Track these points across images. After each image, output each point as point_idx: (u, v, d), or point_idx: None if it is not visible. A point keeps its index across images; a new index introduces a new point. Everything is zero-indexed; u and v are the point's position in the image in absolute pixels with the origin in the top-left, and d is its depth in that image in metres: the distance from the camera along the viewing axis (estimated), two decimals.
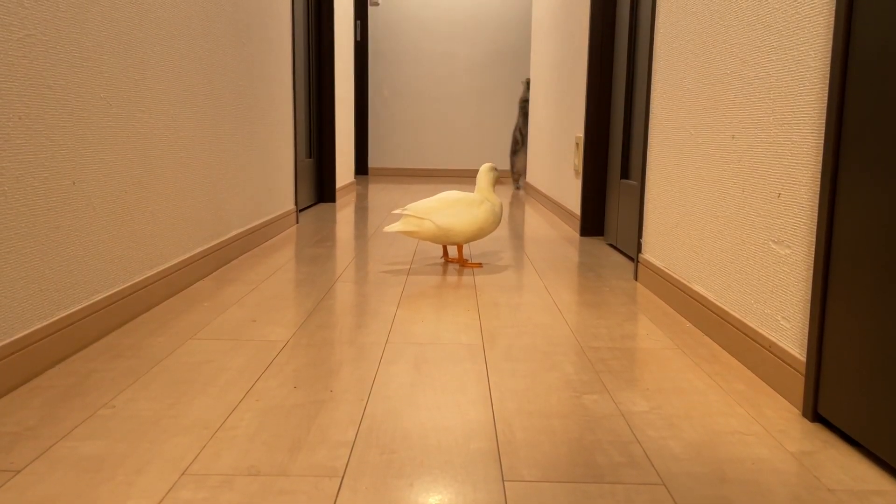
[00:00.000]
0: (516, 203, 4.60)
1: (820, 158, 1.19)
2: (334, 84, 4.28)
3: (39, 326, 1.32)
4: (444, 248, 2.47)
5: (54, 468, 0.96)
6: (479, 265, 2.40)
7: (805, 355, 1.22)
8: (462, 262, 2.41)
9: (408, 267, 2.37)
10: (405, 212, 2.28)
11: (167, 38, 1.87)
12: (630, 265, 2.50)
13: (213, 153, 2.24)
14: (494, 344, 1.54)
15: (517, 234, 3.19)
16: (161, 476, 0.94)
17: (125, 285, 1.66)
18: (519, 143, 5.49)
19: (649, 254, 2.15)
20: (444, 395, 1.25)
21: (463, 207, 2.28)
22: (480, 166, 2.48)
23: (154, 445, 1.03)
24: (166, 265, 1.89)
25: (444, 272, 2.29)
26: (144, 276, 1.76)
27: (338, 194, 4.53)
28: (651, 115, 2.16)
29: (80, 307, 1.46)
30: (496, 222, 2.31)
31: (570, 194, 3.53)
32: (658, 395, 1.26)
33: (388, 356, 1.45)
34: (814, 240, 1.20)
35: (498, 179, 2.40)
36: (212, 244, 2.23)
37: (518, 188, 5.63)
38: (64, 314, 1.41)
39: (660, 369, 1.40)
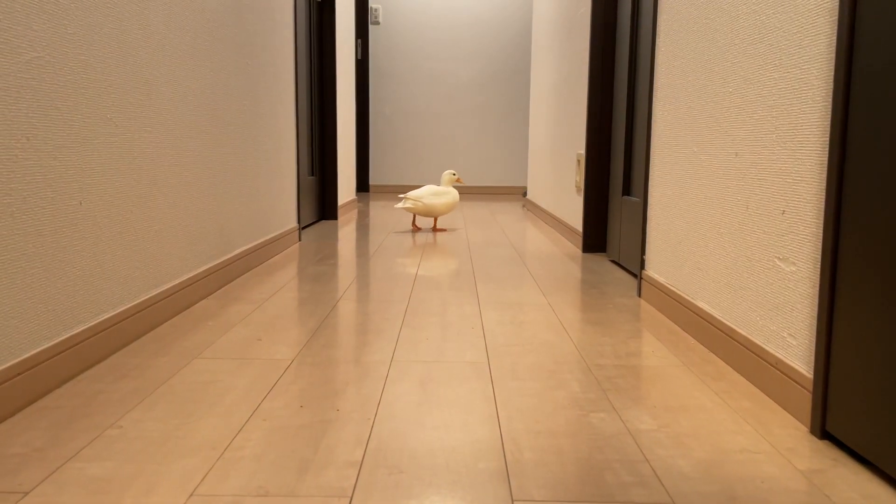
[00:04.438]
0: (518, 220, 4.60)
1: (824, 175, 1.19)
2: (336, 102, 4.30)
3: (46, 347, 1.32)
4: (435, 221, 3.99)
5: (62, 490, 0.96)
6: (444, 230, 3.97)
7: (812, 372, 1.21)
8: (435, 228, 3.98)
9: (411, 284, 2.38)
10: (406, 196, 3.81)
11: (172, 58, 1.89)
12: (633, 282, 2.50)
13: (218, 172, 2.25)
14: (500, 362, 1.54)
15: (519, 251, 3.19)
16: (169, 498, 0.94)
17: (130, 304, 1.66)
18: None
19: (653, 270, 2.15)
20: (451, 414, 1.24)
21: (440, 194, 3.85)
22: (443, 173, 4.02)
23: (162, 466, 1.03)
24: (171, 284, 1.89)
25: (448, 288, 2.30)
26: (150, 296, 1.76)
27: (339, 212, 4.54)
28: (653, 133, 2.17)
29: (85, 327, 1.46)
30: (456, 203, 3.92)
31: (572, 211, 3.53)
32: (665, 414, 1.26)
33: (394, 375, 1.45)
34: (819, 256, 1.20)
35: (456, 180, 3.94)
36: (216, 262, 2.24)
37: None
38: (70, 334, 1.41)
39: (666, 387, 1.40)
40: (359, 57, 6.62)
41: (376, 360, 1.54)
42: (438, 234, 3.83)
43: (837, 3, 1.16)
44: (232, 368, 1.47)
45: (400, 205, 3.84)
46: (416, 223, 4.07)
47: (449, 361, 1.54)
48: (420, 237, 3.64)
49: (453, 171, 3.99)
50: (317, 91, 4.24)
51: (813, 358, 1.22)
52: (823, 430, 1.17)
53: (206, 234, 2.17)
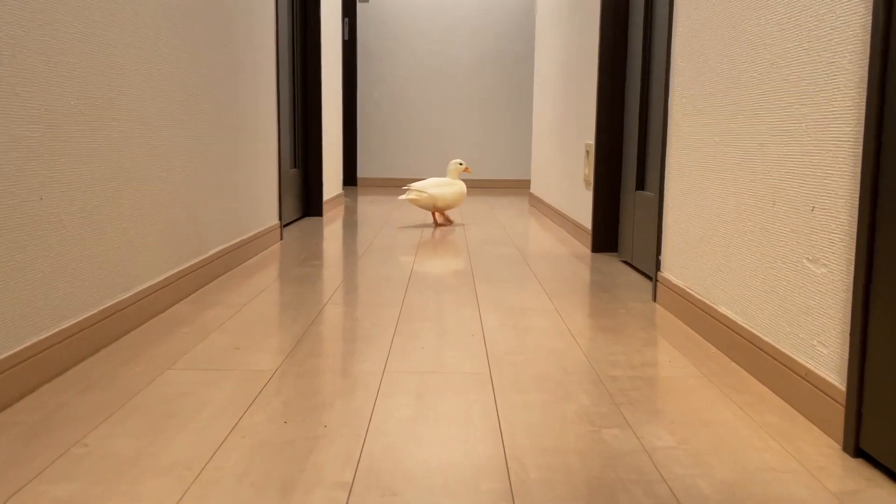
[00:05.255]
0: (521, 216, 4.61)
1: (858, 168, 1.20)
2: (321, 87, 4.30)
3: (3, 357, 1.32)
4: (433, 215, 4.11)
5: None
6: (453, 221, 4.20)
7: (845, 384, 1.22)
8: (445, 220, 4.13)
9: (404, 287, 2.38)
10: (410, 188, 3.96)
11: (143, 39, 1.89)
12: (648, 285, 2.51)
13: (192, 164, 2.25)
14: (502, 372, 1.55)
15: (522, 251, 3.20)
16: None
17: (97, 310, 1.66)
18: None
19: (669, 272, 2.16)
20: (450, 429, 1.25)
21: (444, 185, 3.98)
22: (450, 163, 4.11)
23: (132, 488, 1.03)
24: (141, 287, 1.89)
25: (445, 291, 2.30)
26: (117, 300, 1.76)
27: (325, 207, 4.54)
28: (670, 121, 2.17)
29: (47, 334, 1.46)
30: (464, 195, 4.04)
31: (581, 207, 3.54)
32: (684, 429, 1.26)
33: (386, 387, 1.45)
34: (853, 257, 1.21)
35: (464, 170, 4.10)
36: (190, 263, 2.24)
37: None
38: (30, 342, 1.40)
39: (685, 400, 1.40)
40: (346, 38, 6.62)
41: (367, 371, 1.54)
42: (438, 230, 3.86)
43: None
44: (208, 380, 1.47)
45: (403, 196, 3.96)
46: (437, 218, 4.20)
47: (446, 372, 1.54)
48: (414, 235, 3.64)
49: (460, 161, 4.08)
50: (300, 75, 4.24)
51: (846, 368, 1.22)
52: (857, 447, 1.17)
53: (180, 232, 2.17)
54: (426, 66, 6.82)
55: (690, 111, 2.00)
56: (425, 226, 4.03)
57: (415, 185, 3.96)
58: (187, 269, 2.20)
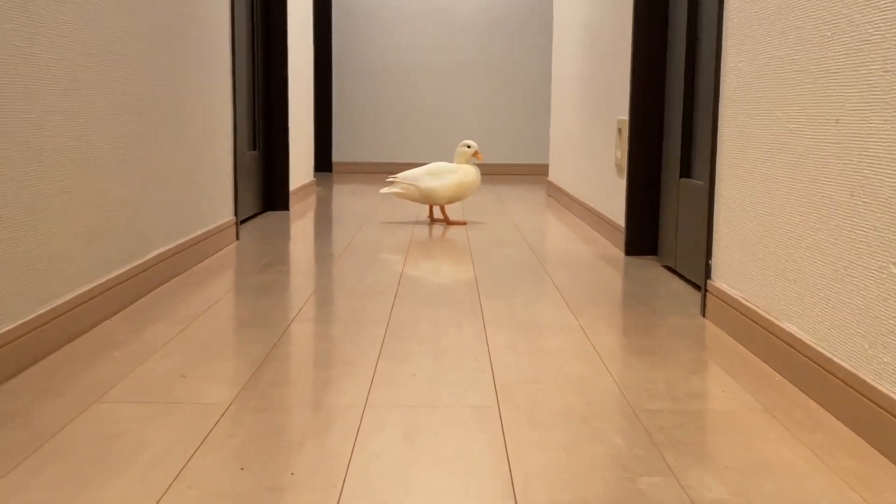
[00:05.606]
0: (537, 209, 4.61)
1: None
2: (287, 51, 4.30)
3: None
4: (430, 209, 4.04)
5: None
6: (464, 223, 4.00)
7: None
8: (447, 220, 3.98)
9: (392, 299, 2.38)
10: (395, 179, 3.89)
11: None
12: (695, 295, 2.51)
13: (127, 147, 2.25)
14: (513, 406, 1.55)
15: (539, 253, 3.20)
16: None
17: (8, 328, 1.66)
18: None
19: (722, 280, 2.16)
20: (448, 477, 1.25)
21: (442, 173, 3.84)
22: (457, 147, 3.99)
23: None
24: (63, 299, 1.89)
25: (442, 304, 2.30)
26: (33, 315, 1.75)
27: (292, 199, 4.54)
28: (722, 92, 2.18)
29: None
30: (471, 185, 3.89)
31: (611, 198, 3.54)
32: (740, 477, 1.26)
33: (369, 424, 1.45)
34: None
35: (473, 155, 3.90)
36: (124, 269, 2.24)
37: None
38: None
39: (741, 440, 1.41)
40: None
41: (344, 404, 1.54)
42: (435, 226, 3.84)
43: None
44: (147, 415, 1.47)
45: (386, 189, 3.88)
46: (434, 213, 4.15)
47: (444, 405, 1.54)
48: (404, 233, 3.64)
49: (468, 143, 3.90)
50: (261, 36, 4.24)
51: None
52: None
53: (112, 231, 2.17)
54: (419, 25, 6.82)
55: (748, 79, 2.00)
56: (419, 222, 4.03)
57: (403, 175, 3.86)
58: (120, 276, 2.20)
